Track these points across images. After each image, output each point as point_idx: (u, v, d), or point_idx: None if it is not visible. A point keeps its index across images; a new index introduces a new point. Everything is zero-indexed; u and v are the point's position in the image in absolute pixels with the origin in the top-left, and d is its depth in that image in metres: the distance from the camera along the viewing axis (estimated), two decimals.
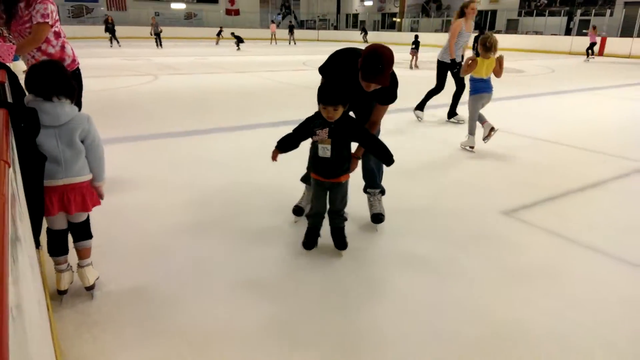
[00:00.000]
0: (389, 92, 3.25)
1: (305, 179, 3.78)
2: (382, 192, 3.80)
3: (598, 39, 23.70)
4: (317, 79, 3.39)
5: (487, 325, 2.49)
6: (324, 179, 3.04)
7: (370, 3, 49.26)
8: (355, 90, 3.15)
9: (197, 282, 2.84)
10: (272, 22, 40.49)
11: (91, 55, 19.17)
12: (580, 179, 4.94)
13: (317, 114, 2.99)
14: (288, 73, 15.27)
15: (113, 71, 14.27)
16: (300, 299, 2.69)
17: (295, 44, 34.93)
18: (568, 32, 31.36)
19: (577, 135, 7.06)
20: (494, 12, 37.85)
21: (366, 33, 40.43)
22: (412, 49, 17.73)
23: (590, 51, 23.16)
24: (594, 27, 23.98)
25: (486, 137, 5.94)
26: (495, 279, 2.96)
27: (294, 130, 3.12)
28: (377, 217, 3.63)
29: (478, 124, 5.96)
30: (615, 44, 26.85)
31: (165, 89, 11.17)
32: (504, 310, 2.64)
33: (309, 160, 3.13)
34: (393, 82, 3.20)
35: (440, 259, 3.19)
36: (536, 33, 33.20)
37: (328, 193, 3.13)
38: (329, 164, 2.98)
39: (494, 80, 5.90)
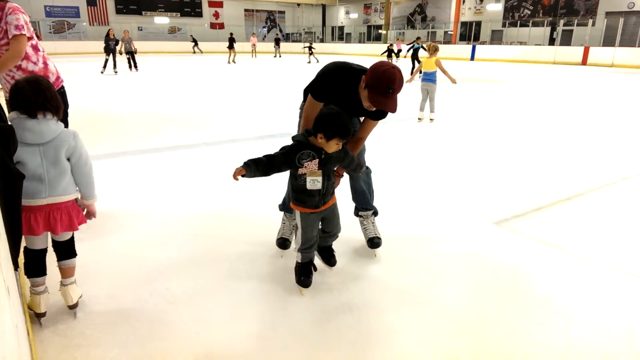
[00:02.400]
0: None
1: (284, 208, 3.46)
2: (375, 213, 3.47)
3: (402, 46, 27.26)
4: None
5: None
6: (314, 210, 2.76)
7: (356, 15, 49.63)
8: (353, 107, 2.96)
9: (185, 305, 2.69)
10: (253, 34, 37.41)
11: (72, 71, 18.98)
12: (569, 187, 4.91)
13: (303, 144, 2.63)
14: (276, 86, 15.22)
15: (91, 86, 14.15)
16: (295, 337, 2.45)
17: (280, 57, 34.41)
18: (552, 42, 31.75)
19: (564, 144, 7.10)
20: (478, 23, 38.31)
21: (196, 43, 37.82)
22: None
23: (396, 56, 27.17)
24: (398, 39, 30.03)
25: (423, 119, 8.42)
26: (500, 307, 2.77)
27: (268, 159, 2.64)
28: (374, 242, 3.34)
29: (427, 108, 8.41)
30: (598, 53, 27.24)
31: (150, 104, 11.08)
32: (514, 344, 2.48)
33: (290, 191, 2.81)
34: None
35: (437, 288, 2.92)
36: (520, 43, 33.58)
37: (321, 220, 2.86)
38: (320, 195, 2.71)
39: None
